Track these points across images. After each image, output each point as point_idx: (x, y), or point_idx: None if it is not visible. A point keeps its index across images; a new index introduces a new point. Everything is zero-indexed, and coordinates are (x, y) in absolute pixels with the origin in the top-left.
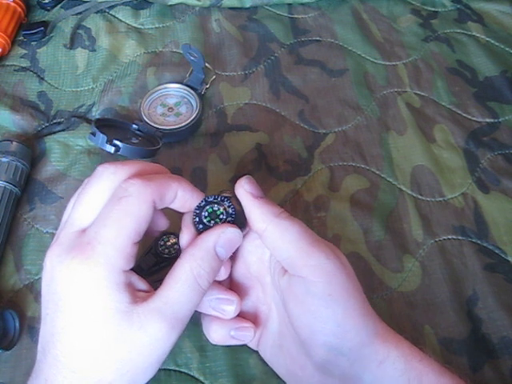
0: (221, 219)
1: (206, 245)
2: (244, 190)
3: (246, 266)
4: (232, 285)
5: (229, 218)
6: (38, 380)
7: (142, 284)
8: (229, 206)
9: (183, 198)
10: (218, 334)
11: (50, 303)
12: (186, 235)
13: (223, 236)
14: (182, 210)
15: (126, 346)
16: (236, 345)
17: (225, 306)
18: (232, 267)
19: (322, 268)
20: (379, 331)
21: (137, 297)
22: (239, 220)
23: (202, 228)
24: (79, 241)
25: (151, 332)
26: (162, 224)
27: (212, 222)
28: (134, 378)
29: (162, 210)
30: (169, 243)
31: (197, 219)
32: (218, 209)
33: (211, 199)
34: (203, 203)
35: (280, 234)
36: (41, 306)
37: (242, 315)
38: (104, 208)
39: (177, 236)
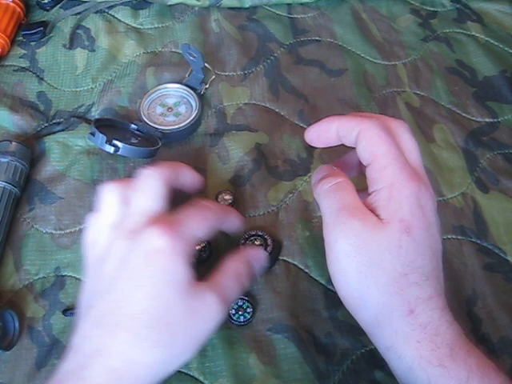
0: None
1: (245, 255)
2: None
3: None
4: None
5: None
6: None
7: None
8: (268, 245)
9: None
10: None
11: (109, 264)
12: None
13: (256, 253)
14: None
15: (194, 316)
16: None
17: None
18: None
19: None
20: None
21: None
22: (271, 258)
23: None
24: (163, 218)
25: (209, 304)
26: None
27: None
28: (195, 347)
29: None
30: None
31: (242, 241)
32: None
33: (258, 234)
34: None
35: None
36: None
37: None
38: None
39: None
